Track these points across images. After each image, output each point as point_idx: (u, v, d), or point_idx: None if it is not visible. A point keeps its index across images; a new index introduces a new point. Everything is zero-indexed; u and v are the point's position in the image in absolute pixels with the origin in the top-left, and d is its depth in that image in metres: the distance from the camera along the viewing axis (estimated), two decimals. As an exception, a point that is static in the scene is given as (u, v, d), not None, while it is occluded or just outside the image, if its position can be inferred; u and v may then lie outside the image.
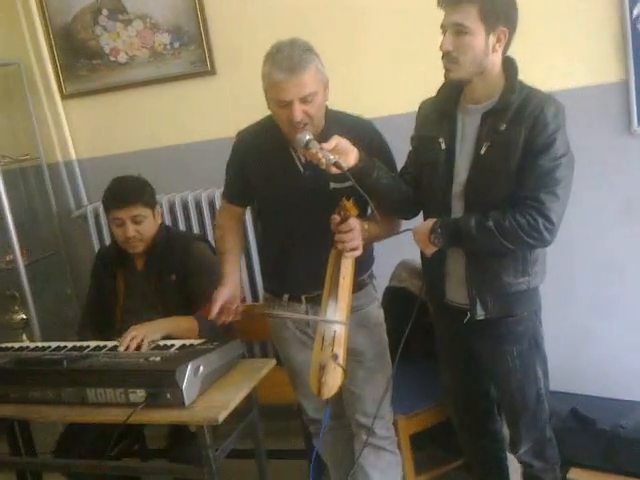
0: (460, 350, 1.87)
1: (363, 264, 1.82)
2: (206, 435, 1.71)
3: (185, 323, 2.04)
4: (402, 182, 1.80)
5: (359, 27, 2.52)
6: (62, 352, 1.97)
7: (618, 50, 2.29)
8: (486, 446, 2.02)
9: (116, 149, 2.90)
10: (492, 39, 1.59)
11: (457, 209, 1.71)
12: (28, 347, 2.10)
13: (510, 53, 1.67)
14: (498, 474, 2.05)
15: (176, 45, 2.75)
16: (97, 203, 2.77)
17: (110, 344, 1.97)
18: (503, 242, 1.61)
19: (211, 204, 2.71)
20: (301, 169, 1.80)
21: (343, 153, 1.62)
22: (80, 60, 2.88)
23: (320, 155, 1.59)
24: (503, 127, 1.61)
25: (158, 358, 1.79)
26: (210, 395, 1.78)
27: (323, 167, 1.60)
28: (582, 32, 2.32)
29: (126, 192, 2.13)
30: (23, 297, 2.78)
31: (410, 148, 1.86)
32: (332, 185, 1.75)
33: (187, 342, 1.92)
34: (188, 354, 1.80)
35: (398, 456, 2.02)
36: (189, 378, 1.70)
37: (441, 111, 1.74)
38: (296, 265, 1.84)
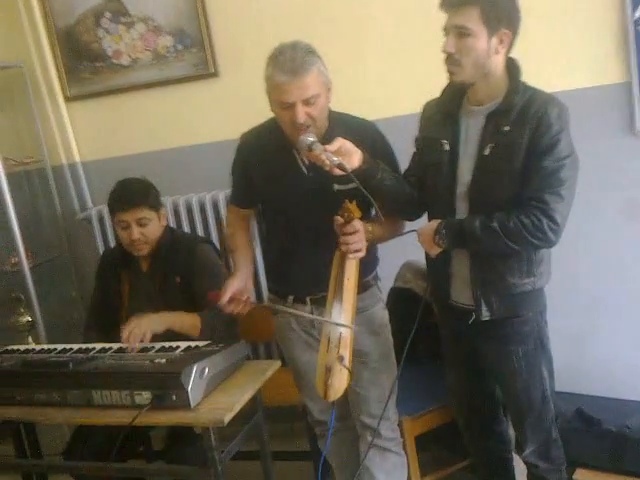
0: (465, 351, 1.87)
1: (367, 265, 1.82)
2: (212, 437, 1.72)
3: (188, 319, 2.05)
4: (406, 183, 1.80)
5: (362, 29, 2.52)
6: (68, 354, 1.97)
7: (621, 51, 2.29)
8: (491, 447, 2.02)
9: (120, 151, 2.91)
10: (494, 41, 1.59)
11: (461, 210, 1.71)
12: (34, 349, 2.11)
13: (513, 55, 1.67)
14: (504, 475, 2.05)
15: (179, 47, 2.75)
16: (101, 205, 2.78)
17: (115, 346, 1.98)
18: (508, 243, 1.61)
19: (215, 206, 2.71)
20: (304, 171, 1.80)
21: (347, 155, 1.62)
22: (83, 63, 2.88)
23: (324, 157, 1.59)
24: (507, 128, 1.61)
25: (163, 360, 1.80)
26: (215, 397, 1.78)
27: (327, 169, 1.61)
28: (585, 34, 2.32)
29: (131, 195, 2.14)
30: (28, 299, 2.78)
31: (414, 149, 1.86)
32: (336, 187, 1.76)
33: (192, 344, 1.92)
34: (193, 356, 1.80)
35: (403, 457, 2.02)
36: (195, 380, 1.70)
37: (445, 112, 1.74)
38: (300, 267, 1.84)
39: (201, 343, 1.92)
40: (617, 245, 2.43)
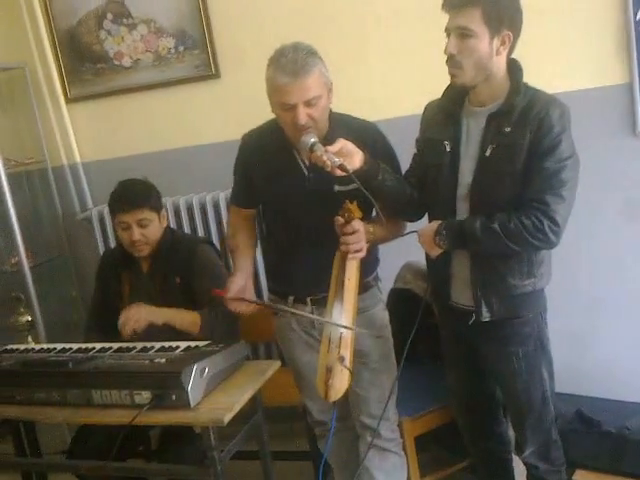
0: (465, 352, 1.87)
1: (368, 266, 1.82)
2: (211, 436, 1.72)
3: (188, 316, 2.06)
4: (407, 184, 1.80)
5: (364, 30, 2.53)
6: (67, 354, 1.97)
7: (622, 52, 2.29)
8: (491, 448, 2.02)
9: (120, 152, 2.91)
10: (496, 42, 1.59)
11: (462, 211, 1.71)
12: (33, 349, 2.11)
13: (514, 56, 1.67)
14: (503, 476, 2.05)
15: (180, 49, 2.76)
16: (102, 206, 2.78)
17: (115, 346, 1.98)
18: (508, 244, 1.61)
19: (215, 207, 2.72)
20: (305, 172, 1.81)
21: (348, 155, 1.63)
22: (85, 64, 2.89)
23: (325, 157, 1.59)
24: (508, 129, 1.61)
25: (163, 360, 1.80)
26: (215, 397, 1.78)
27: (328, 169, 1.61)
28: (586, 34, 2.33)
29: (132, 196, 2.14)
30: (28, 299, 2.78)
31: (415, 150, 1.86)
32: (336, 188, 1.76)
33: (192, 344, 1.92)
34: (193, 356, 1.80)
35: (403, 458, 2.02)
36: (194, 379, 1.70)
37: (446, 113, 1.74)
38: (301, 267, 1.84)
39: (201, 343, 1.92)
40: (617, 246, 2.44)
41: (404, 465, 2.02)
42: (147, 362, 1.80)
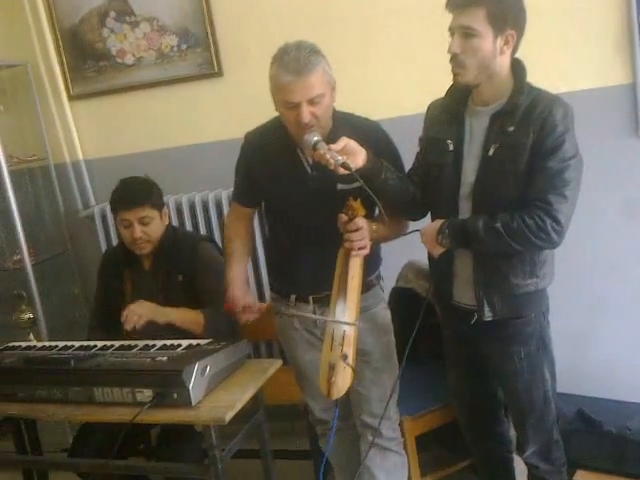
0: (467, 351, 1.87)
1: (371, 265, 1.82)
2: (212, 435, 1.72)
3: (191, 315, 2.06)
4: (410, 183, 1.80)
5: (366, 29, 2.53)
6: (69, 351, 1.97)
7: (625, 53, 2.29)
8: (492, 448, 2.02)
9: (123, 150, 2.91)
10: (500, 42, 1.59)
11: (465, 210, 1.71)
12: (35, 346, 2.11)
13: (518, 55, 1.67)
14: (504, 476, 2.05)
15: (183, 47, 2.76)
16: (104, 203, 2.78)
17: (117, 344, 1.98)
18: (511, 243, 1.61)
19: (218, 205, 2.72)
20: (308, 170, 1.81)
21: (351, 154, 1.63)
22: (87, 62, 2.89)
23: (328, 156, 1.59)
24: (511, 129, 1.61)
25: (165, 358, 1.80)
26: (216, 395, 1.78)
27: (331, 168, 1.61)
28: (589, 35, 2.32)
29: (134, 193, 2.14)
30: (30, 297, 2.79)
31: (418, 149, 1.86)
32: (339, 186, 1.76)
33: (194, 342, 1.92)
34: (195, 354, 1.80)
35: (404, 457, 2.02)
36: (196, 378, 1.70)
37: (449, 113, 1.74)
38: (303, 266, 1.84)
39: (203, 341, 1.93)
40: (619, 246, 2.44)
41: (405, 464, 2.02)
42: (149, 360, 1.81)
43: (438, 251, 1.72)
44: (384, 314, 1.94)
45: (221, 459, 1.75)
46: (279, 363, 2.00)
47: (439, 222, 1.70)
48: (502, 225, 1.60)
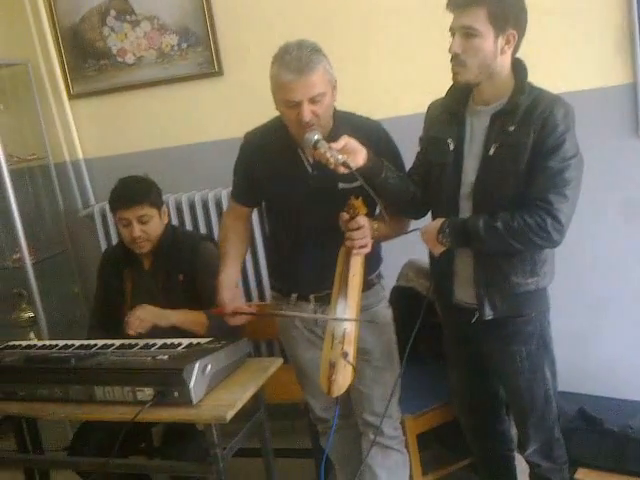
0: (468, 350, 1.87)
1: (371, 264, 1.82)
2: (214, 434, 1.72)
3: (195, 317, 2.05)
4: (410, 182, 1.80)
5: (367, 28, 2.53)
6: (70, 350, 1.97)
7: (626, 53, 2.29)
8: (494, 446, 2.02)
9: (123, 149, 2.91)
10: (501, 41, 1.59)
11: (465, 210, 1.71)
12: (36, 345, 2.11)
13: (519, 55, 1.67)
14: (506, 474, 2.05)
15: (183, 46, 2.76)
16: (104, 202, 2.78)
17: (118, 342, 1.98)
18: (511, 242, 1.61)
19: (218, 204, 2.72)
20: (309, 169, 1.81)
21: (352, 153, 1.63)
22: (88, 61, 2.89)
23: (329, 155, 1.59)
24: (512, 128, 1.61)
25: (166, 357, 1.80)
26: (217, 394, 1.78)
27: (331, 167, 1.61)
28: (590, 35, 2.32)
29: (132, 192, 2.14)
30: (30, 295, 2.79)
31: (418, 149, 1.86)
32: (340, 185, 1.76)
33: (194, 341, 1.92)
34: (196, 352, 1.80)
35: (405, 455, 2.02)
36: (197, 377, 1.70)
37: (450, 112, 1.74)
38: (304, 265, 1.84)
39: (203, 340, 1.92)
40: (620, 246, 2.44)
41: (406, 463, 2.03)
42: (149, 359, 1.80)
43: (439, 250, 1.72)
44: (385, 313, 1.94)
45: (222, 458, 1.75)
46: (280, 362, 1.99)
47: (440, 221, 1.70)
48: (503, 224, 1.60)
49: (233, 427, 1.82)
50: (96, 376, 1.79)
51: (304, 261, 1.84)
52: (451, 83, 1.70)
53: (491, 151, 1.64)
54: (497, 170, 1.64)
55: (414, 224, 1.85)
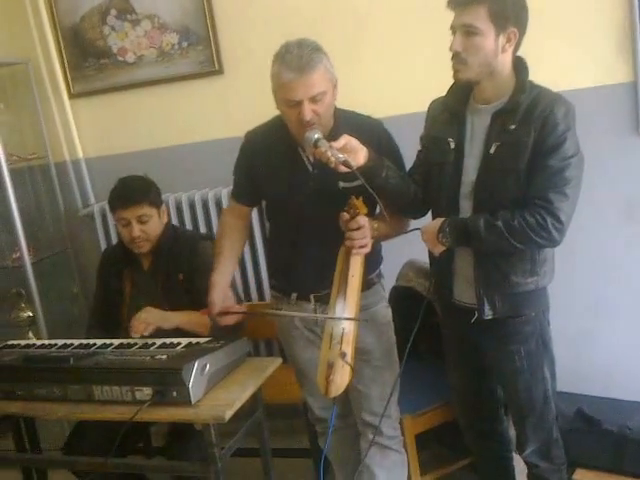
0: (467, 350, 1.87)
1: (371, 263, 1.82)
2: (212, 433, 1.71)
3: (197, 318, 2.04)
4: (411, 182, 1.80)
5: (366, 27, 2.53)
6: (68, 349, 1.97)
7: (627, 51, 2.29)
8: (492, 446, 2.01)
9: (123, 148, 2.91)
10: (502, 40, 1.59)
11: (465, 209, 1.71)
12: (34, 344, 2.11)
13: (519, 53, 1.66)
14: (504, 474, 2.05)
15: (184, 45, 2.76)
16: (104, 202, 2.77)
17: (117, 342, 1.98)
18: (512, 242, 1.61)
19: (218, 203, 2.72)
20: (310, 168, 1.80)
21: (352, 152, 1.62)
22: (88, 60, 2.89)
23: (329, 154, 1.59)
24: (513, 127, 1.61)
25: (164, 356, 1.80)
26: (216, 393, 1.78)
27: (332, 166, 1.60)
28: (591, 33, 2.32)
29: (131, 192, 2.14)
30: (30, 295, 2.78)
31: (419, 148, 1.86)
32: (341, 184, 1.75)
33: (193, 340, 1.92)
34: (194, 352, 1.80)
35: (404, 455, 2.02)
36: (195, 376, 1.70)
37: (451, 111, 1.74)
38: (304, 264, 1.84)
39: (202, 340, 1.92)
40: (619, 245, 2.44)
41: (405, 463, 2.02)
42: (148, 358, 1.80)
43: (439, 249, 1.72)
44: (385, 312, 1.94)
45: (220, 457, 1.74)
46: (279, 361, 1.99)
47: (440, 220, 1.70)
48: (503, 223, 1.60)
49: (232, 427, 1.81)
50: (95, 375, 1.79)
51: (304, 260, 1.84)
52: (452, 81, 1.70)
53: (492, 150, 1.64)
54: (498, 169, 1.64)
55: (414, 223, 1.85)
